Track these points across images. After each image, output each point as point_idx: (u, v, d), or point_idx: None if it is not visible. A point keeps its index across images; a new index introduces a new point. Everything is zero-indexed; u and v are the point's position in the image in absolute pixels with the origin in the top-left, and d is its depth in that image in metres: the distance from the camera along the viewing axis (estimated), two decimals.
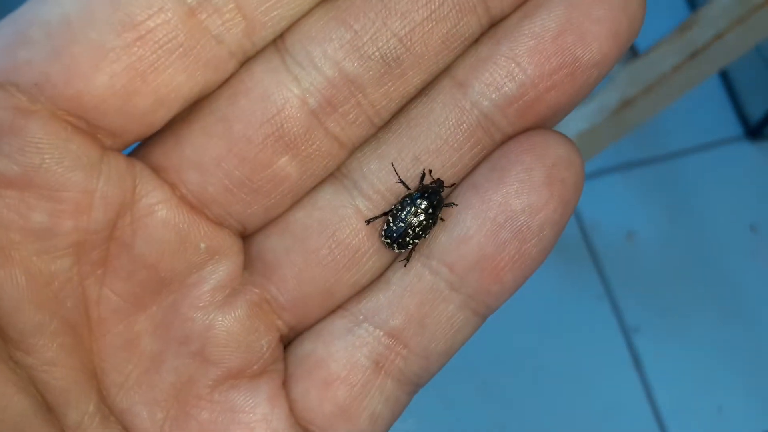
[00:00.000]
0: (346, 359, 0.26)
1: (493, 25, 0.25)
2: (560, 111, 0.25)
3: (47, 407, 0.24)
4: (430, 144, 0.26)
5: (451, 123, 0.26)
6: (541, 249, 0.25)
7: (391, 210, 0.27)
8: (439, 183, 0.26)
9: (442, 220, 0.26)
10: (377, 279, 0.27)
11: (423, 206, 0.26)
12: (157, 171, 0.25)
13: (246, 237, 0.27)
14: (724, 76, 1.05)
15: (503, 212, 0.25)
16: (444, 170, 0.26)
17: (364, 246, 0.27)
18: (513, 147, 0.25)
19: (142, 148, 0.25)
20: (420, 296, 0.26)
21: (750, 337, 0.92)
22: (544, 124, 0.26)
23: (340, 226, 0.26)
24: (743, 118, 1.03)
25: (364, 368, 0.26)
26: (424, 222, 0.27)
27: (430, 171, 0.26)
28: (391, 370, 0.26)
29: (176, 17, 0.22)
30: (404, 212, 0.27)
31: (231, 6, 0.22)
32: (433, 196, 0.27)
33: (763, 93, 1.01)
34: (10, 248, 0.22)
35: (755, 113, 1.01)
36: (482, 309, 0.26)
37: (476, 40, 0.25)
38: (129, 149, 0.25)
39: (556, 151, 0.25)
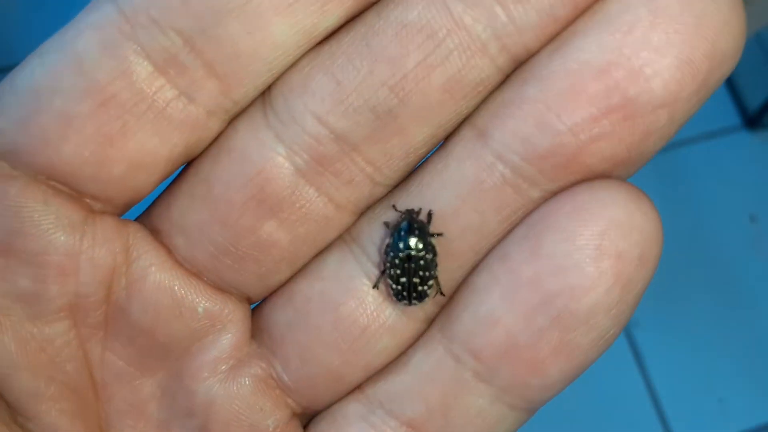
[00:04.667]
0: None
1: (519, 66, 0.21)
2: (626, 161, 0.21)
3: None
4: (446, 205, 0.22)
5: (469, 180, 0.22)
6: (595, 337, 0.21)
7: (386, 270, 0.24)
8: (408, 213, 0.23)
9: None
10: (396, 359, 0.24)
11: (411, 247, 0.23)
12: (155, 233, 0.24)
13: (254, 303, 0.25)
14: None
15: (536, 293, 0.21)
16: (465, 236, 0.22)
17: (374, 323, 0.23)
18: (552, 208, 0.21)
19: (147, 209, 0.25)
20: (442, 386, 0.23)
21: (750, 329, 0.91)
22: (606, 175, 0.21)
23: (344, 299, 0.23)
24: (742, 107, 1.02)
25: None
26: (423, 261, 0.24)
27: (394, 206, 0.23)
28: None
29: (141, 79, 0.21)
30: (399, 266, 0.24)
31: (199, 64, 0.21)
32: (411, 229, 0.23)
33: (761, 82, 1.00)
34: (0, 314, 0.22)
35: (754, 102, 1.01)
36: (522, 403, 0.22)
37: (502, 83, 0.21)
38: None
39: (610, 214, 0.20)
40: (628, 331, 0.91)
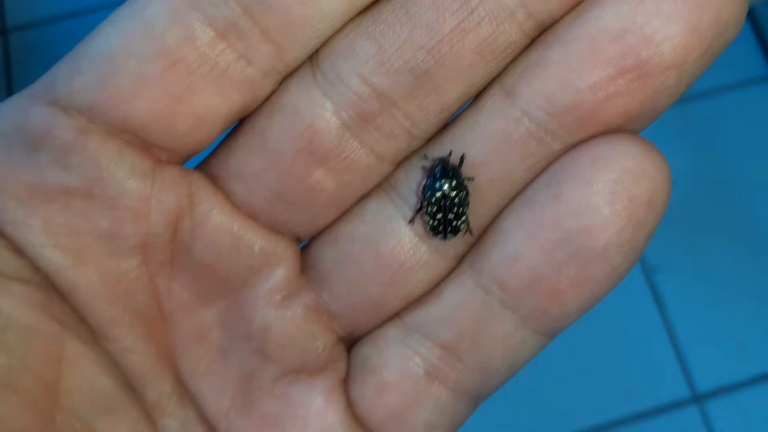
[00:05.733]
0: (398, 368, 0.27)
1: (543, 31, 0.24)
2: (638, 116, 0.23)
3: (129, 386, 0.26)
4: (476, 156, 0.25)
5: (498, 133, 0.24)
6: (609, 271, 0.23)
7: (422, 207, 0.26)
8: (440, 159, 0.26)
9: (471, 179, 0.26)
10: (430, 291, 0.27)
11: (446, 186, 0.26)
12: (213, 180, 0.27)
13: (303, 242, 0.28)
14: (751, 14, 1.03)
15: (557, 232, 0.23)
16: (493, 184, 0.25)
17: (411, 260, 0.26)
18: (571, 158, 0.23)
19: (205, 159, 0.27)
20: (472, 312, 0.25)
21: None
22: (621, 129, 0.23)
23: (384, 240, 0.26)
24: None
25: (417, 377, 0.26)
26: (457, 199, 0.26)
27: (425, 155, 0.26)
28: (446, 381, 0.26)
29: (204, 44, 0.23)
30: (434, 203, 0.26)
31: (256, 31, 0.23)
32: (446, 171, 0.26)
33: None
34: (83, 250, 0.25)
35: None
36: (543, 329, 0.25)
37: (528, 46, 0.24)
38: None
39: (624, 164, 0.23)
40: (648, 276, 0.92)
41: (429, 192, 0.26)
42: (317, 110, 0.25)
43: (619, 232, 0.23)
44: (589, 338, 0.89)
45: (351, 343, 0.29)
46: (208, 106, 0.24)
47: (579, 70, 0.23)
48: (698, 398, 0.87)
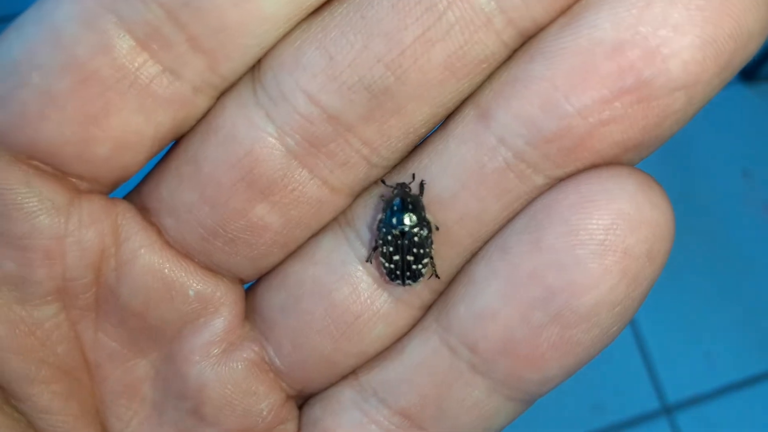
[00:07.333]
0: None
1: (527, 41, 0.19)
2: (637, 146, 0.19)
3: None
4: (444, 190, 0.21)
5: (470, 164, 0.20)
6: (597, 334, 0.20)
7: (377, 247, 0.22)
8: (400, 187, 0.22)
9: (436, 228, 0.22)
10: (391, 346, 0.23)
11: (405, 222, 0.22)
12: (143, 212, 0.23)
13: (247, 283, 0.24)
14: None
15: (536, 289, 0.19)
16: (463, 223, 0.21)
17: (368, 311, 0.23)
18: (555, 198, 0.19)
19: (137, 186, 0.24)
20: (437, 376, 0.22)
21: (739, 284, 0.92)
22: (616, 160, 0.19)
23: (337, 285, 0.22)
24: None
25: None
26: (417, 238, 0.22)
27: (383, 181, 0.22)
28: None
29: (122, 54, 0.19)
30: (392, 243, 0.22)
31: (183, 38, 0.19)
32: (405, 205, 0.22)
33: None
34: None
35: None
36: (520, 395, 0.21)
37: (508, 60, 0.20)
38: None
39: (617, 206, 0.19)
40: None
41: (384, 229, 0.22)
42: (258, 134, 0.21)
43: (611, 291, 0.19)
44: None
45: (303, 399, 0.25)
46: (129, 128, 0.20)
47: (567, 90, 0.19)
48: (668, 410, 0.86)
